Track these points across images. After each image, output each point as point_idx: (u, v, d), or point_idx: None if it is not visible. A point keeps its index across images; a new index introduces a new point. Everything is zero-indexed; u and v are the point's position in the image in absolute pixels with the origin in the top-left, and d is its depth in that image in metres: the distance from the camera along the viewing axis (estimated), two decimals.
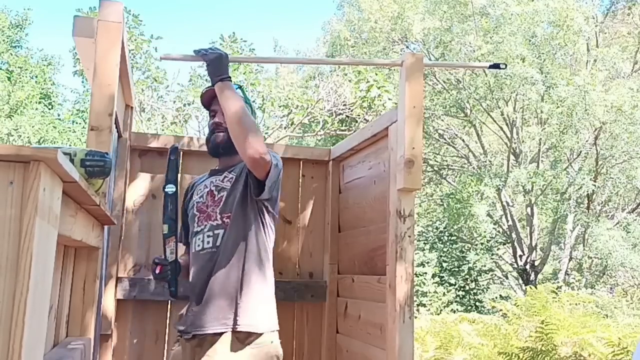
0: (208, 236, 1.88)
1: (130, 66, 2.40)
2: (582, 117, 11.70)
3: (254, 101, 8.42)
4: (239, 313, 1.77)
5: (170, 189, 1.83)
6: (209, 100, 2.02)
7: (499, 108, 13.43)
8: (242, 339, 1.76)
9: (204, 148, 2.70)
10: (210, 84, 1.94)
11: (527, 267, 13.54)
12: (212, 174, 2.06)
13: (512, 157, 13.85)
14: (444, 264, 14.88)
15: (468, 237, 15.12)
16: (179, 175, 1.92)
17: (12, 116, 18.04)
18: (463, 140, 15.03)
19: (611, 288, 13.30)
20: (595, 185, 12.69)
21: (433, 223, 15.65)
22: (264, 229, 1.90)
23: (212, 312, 1.79)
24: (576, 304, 6.64)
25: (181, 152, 2.63)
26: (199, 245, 1.90)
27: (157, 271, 1.85)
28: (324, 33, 18.66)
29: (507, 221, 14.10)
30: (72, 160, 1.30)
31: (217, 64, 1.86)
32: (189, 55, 2.02)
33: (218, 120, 1.99)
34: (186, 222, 2.06)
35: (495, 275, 15.34)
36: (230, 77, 1.87)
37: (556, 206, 13.26)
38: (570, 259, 13.90)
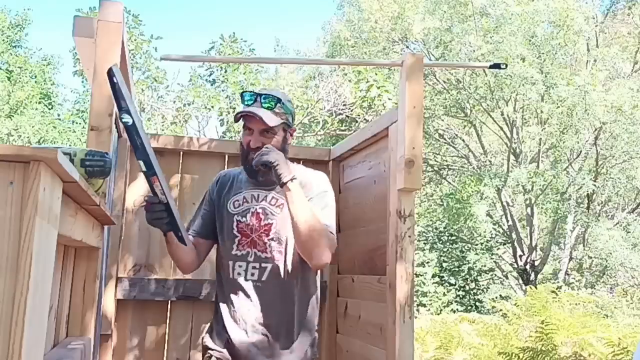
0: (253, 267, 1.75)
1: (130, 66, 2.40)
2: (582, 117, 11.70)
3: None
4: (294, 352, 1.75)
5: (127, 119, 1.44)
6: (241, 116, 1.77)
7: (499, 108, 13.43)
8: None
9: (204, 148, 2.71)
10: (243, 107, 1.77)
11: (527, 267, 13.54)
12: (254, 184, 1.83)
13: (512, 157, 13.85)
14: (444, 264, 14.88)
15: (468, 237, 15.12)
16: (132, 100, 1.53)
17: (12, 116, 18.05)
18: (463, 140, 15.04)
19: (611, 288, 13.30)
20: (595, 185, 12.69)
21: (433, 223, 15.66)
22: None
23: (260, 350, 1.73)
24: (576, 304, 6.65)
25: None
26: (239, 273, 1.75)
27: (145, 207, 1.63)
28: (324, 33, 18.65)
29: (507, 221, 14.10)
30: (72, 160, 1.30)
31: (283, 163, 1.64)
32: (189, 56, 2.01)
33: (255, 144, 1.74)
34: (206, 217, 1.88)
35: (495, 275, 15.35)
36: (295, 177, 1.66)
37: (556, 206, 13.26)
38: (570, 259, 13.90)
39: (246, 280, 1.74)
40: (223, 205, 1.84)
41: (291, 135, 1.85)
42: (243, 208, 1.80)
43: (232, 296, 1.77)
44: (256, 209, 1.78)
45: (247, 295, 1.74)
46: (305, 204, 1.64)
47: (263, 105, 1.75)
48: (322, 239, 1.64)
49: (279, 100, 1.77)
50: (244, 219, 1.78)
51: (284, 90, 8.86)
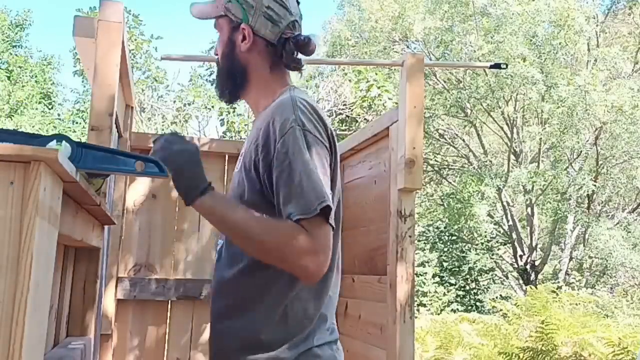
0: (219, 242, 1.31)
1: (131, 66, 2.40)
2: (582, 117, 11.70)
3: None
4: None
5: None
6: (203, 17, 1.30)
7: (500, 108, 13.43)
8: None
9: (205, 148, 2.70)
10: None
11: (528, 267, 13.54)
12: None
13: (512, 157, 13.85)
14: (445, 264, 14.90)
15: (468, 237, 15.12)
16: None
17: (12, 116, 18.06)
18: (463, 140, 15.04)
19: (611, 288, 13.31)
20: (595, 185, 12.69)
21: (434, 223, 15.66)
22: None
23: None
24: (576, 304, 6.65)
25: None
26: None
27: None
28: (324, 32, 18.66)
29: (508, 221, 14.11)
30: (72, 160, 1.30)
31: (186, 171, 1.12)
32: (189, 56, 2.01)
33: (216, 48, 1.30)
34: None
35: (496, 275, 15.36)
36: (209, 186, 1.12)
37: (556, 206, 13.27)
38: (571, 259, 13.90)
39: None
40: None
41: (244, 39, 1.22)
42: None
43: None
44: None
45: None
46: (233, 217, 1.08)
47: None
48: (286, 250, 1.03)
49: None
50: None
51: None
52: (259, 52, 1.23)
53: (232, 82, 1.26)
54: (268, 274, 1.12)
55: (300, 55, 1.25)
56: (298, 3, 1.31)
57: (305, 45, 1.23)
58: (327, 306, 1.22)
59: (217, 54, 1.29)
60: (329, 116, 8.49)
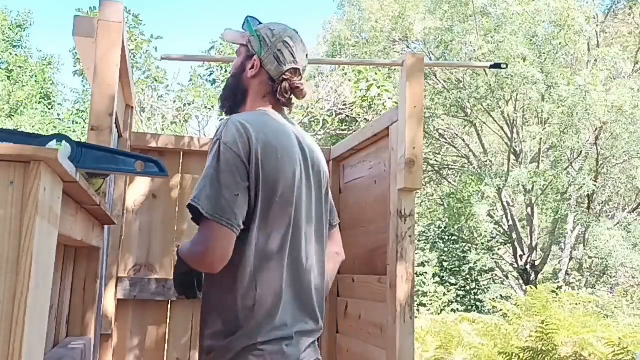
0: None
1: (131, 66, 2.40)
2: (582, 117, 11.70)
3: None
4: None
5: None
6: (232, 41, 1.61)
7: (500, 108, 13.43)
8: None
9: (205, 148, 2.71)
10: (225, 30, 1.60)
11: (528, 267, 13.54)
12: None
13: (512, 157, 13.85)
14: (445, 264, 14.90)
15: (469, 237, 15.13)
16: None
17: (12, 116, 18.07)
18: (463, 140, 15.04)
19: (611, 288, 13.30)
20: (595, 185, 12.69)
21: (434, 223, 15.66)
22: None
23: None
24: (576, 304, 6.65)
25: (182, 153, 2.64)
26: None
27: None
28: (324, 32, 18.65)
29: (508, 221, 14.11)
30: (72, 160, 1.30)
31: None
32: (189, 56, 2.01)
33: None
34: None
35: (496, 275, 15.36)
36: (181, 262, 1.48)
37: (557, 206, 13.26)
38: (571, 259, 13.91)
39: None
40: None
41: (252, 67, 1.48)
42: None
43: None
44: None
45: None
46: (184, 259, 1.47)
47: None
48: (188, 255, 1.42)
49: (246, 19, 1.56)
50: None
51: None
52: (260, 82, 1.49)
53: (233, 98, 1.53)
54: (208, 276, 1.41)
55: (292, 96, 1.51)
56: (306, 56, 1.56)
57: (297, 90, 1.50)
58: (273, 304, 1.32)
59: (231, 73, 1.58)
60: (329, 116, 8.48)
